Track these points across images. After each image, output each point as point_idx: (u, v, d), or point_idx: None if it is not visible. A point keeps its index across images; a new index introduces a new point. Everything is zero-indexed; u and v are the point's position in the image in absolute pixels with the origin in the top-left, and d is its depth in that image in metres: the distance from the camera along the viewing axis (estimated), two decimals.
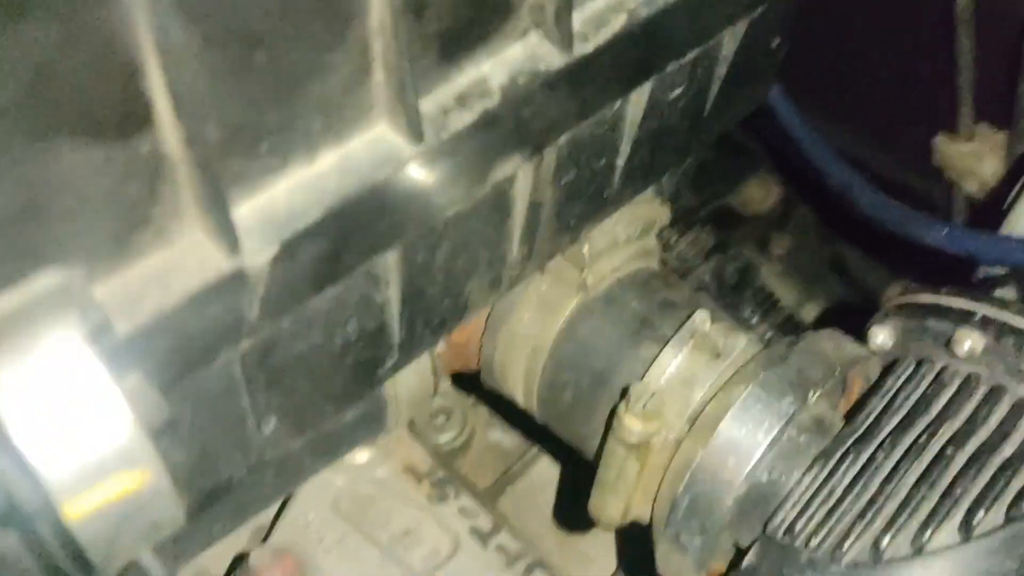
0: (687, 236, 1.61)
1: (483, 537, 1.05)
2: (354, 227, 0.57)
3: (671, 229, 1.60)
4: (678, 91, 0.81)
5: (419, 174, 0.57)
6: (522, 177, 0.72)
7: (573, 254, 0.89)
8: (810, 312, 1.65)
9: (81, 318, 0.43)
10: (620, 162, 0.83)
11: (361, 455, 1.08)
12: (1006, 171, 1.38)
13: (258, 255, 0.52)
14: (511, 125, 0.62)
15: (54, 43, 0.40)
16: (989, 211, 1.34)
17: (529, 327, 0.91)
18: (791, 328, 1.59)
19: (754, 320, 1.57)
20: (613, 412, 0.82)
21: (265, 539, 1.03)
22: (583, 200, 0.83)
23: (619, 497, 0.84)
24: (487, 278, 0.79)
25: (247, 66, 0.49)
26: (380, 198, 0.57)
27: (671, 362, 0.83)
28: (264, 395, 0.66)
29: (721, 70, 0.85)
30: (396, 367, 0.78)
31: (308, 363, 0.67)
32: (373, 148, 0.56)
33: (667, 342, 0.85)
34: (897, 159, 1.54)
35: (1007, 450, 0.72)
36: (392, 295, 0.69)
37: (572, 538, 1.25)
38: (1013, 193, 1.12)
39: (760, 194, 1.76)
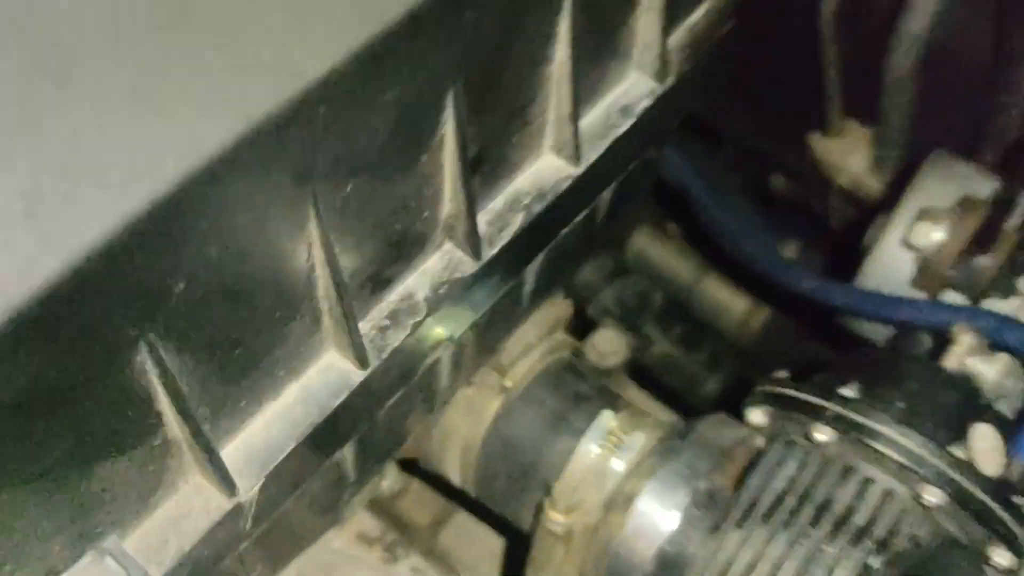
0: (591, 263, 1.76)
1: None
2: (321, 444, 0.70)
3: None
4: (567, 231, 0.95)
5: (366, 392, 0.70)
6: (444, 358, 0.85)
7: (494, 362, 1.03)
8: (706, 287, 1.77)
9: None
10: (527, 289, 0.97)
11: None
12: (872, 164, 1.51)
13: (249, 490, 0.65)
14: (435, 329, 0.75)
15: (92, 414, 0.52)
16: (863, 209, 1.47)
17: (459, 427, 1.05)
18: (692, 338, 1.75)
19: (656, 335, 1.74)
20: (541, 504, 0.97)
21: None
22: (499, 327, 0.96)
23: (549, 575, 1.00)
24: (422, 410, 0.93)
25: (229, 360, 0.61)
26: (335, 420, 0.70)
27: (585, 460, 0.98)
28: (251, 559, 0.79)
29: (607, 201, 0.98)
30: (352, 497, 0.91)
31: (289, 524, 0.81)
32: (326, 374, 0.69)
33: (581, 436, 1.00)
34: (777, 160, 1.69)
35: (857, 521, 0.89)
36: (349, 470, 0.83)
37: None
38: (866, 238, 1.28)
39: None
